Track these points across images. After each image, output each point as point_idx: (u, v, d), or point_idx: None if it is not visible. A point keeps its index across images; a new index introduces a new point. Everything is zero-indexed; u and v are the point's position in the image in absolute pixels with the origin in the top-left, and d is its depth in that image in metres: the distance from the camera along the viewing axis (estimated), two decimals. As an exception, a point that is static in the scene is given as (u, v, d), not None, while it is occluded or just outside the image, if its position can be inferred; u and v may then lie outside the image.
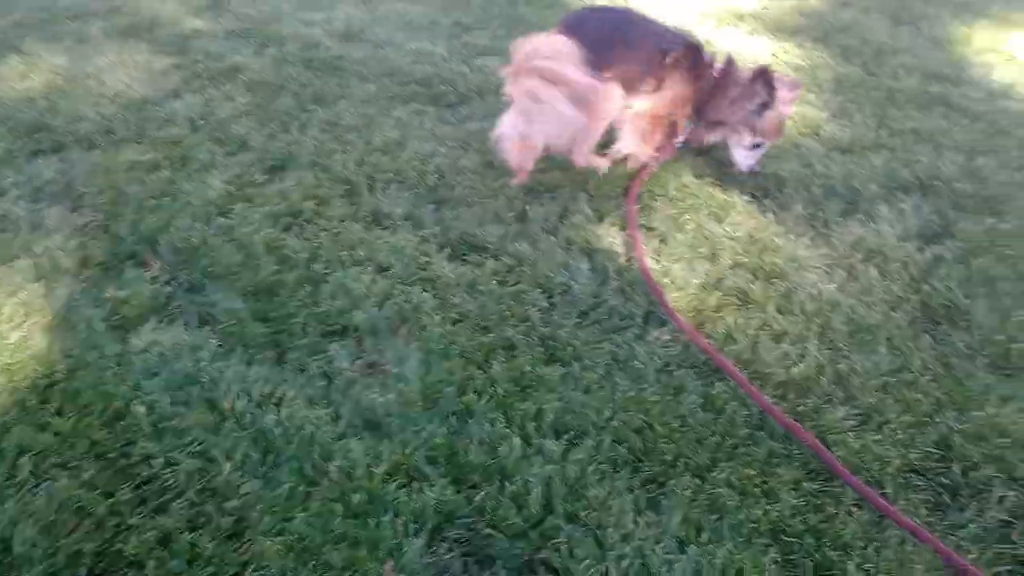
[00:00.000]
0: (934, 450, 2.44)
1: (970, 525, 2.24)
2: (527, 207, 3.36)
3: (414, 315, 2.81)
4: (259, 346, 2.67)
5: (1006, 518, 2.26)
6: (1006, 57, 4.86)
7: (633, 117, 3.54)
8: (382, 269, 3.01)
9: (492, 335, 2.74)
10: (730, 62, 3.52)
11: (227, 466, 2.26)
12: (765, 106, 3.48)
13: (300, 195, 3.36)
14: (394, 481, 2.26)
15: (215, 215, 3.24)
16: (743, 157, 3.62)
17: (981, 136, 3.98)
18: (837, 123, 4.03)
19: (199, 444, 2.33)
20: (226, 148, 3.70)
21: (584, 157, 3.50)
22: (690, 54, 3.50)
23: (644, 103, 3.50)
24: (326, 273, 2.97)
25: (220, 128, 3.83)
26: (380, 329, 2.76)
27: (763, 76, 3.43)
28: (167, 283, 2.90)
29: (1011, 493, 2.31)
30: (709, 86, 3.53)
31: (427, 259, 3.06)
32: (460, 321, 2.81)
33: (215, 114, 3.97)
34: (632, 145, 3.59)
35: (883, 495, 2.29)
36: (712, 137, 3.67)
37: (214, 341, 2.67)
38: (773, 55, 4.83)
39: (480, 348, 2.69)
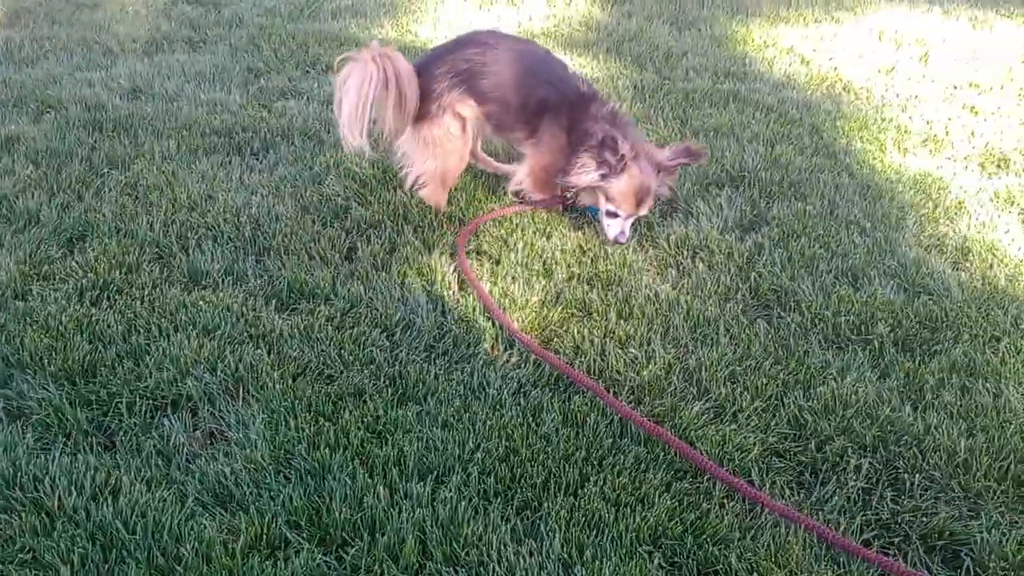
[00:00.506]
0: (788, 431, 2.50)
1: (834, 498, 2.30)
2: (354, 245, 3.25)
3: (250, 375, 2.65)
4: (83, 432, 2.44)
5: (864, 485, 2.34)
6: (784, 51, 5.14)
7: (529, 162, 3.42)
8: (208, 331, 2.83)
9: (337, 383, 2.62)
10: (595, 115, 3.28)
11: (64, 571, 2.04)
12: (608, 174, 3.20)
13: (106, 265, 3.11)
14: (256, 553, 2.10)
15: (11, 299, 2.96)
16: (604, 225, 3.31)
17: (775, 126, 4.18)
18: (643, 128, 4.13)
19: (29, 552, 2.09)
20: (14, 226, 3.40)
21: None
22: (568, 103, 3.31)
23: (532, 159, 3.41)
24: (147, 344, 2.76)
25: (3, 204, 3.52)
26: (215, 395, 2.58)
27: (604, 142, 3.16)
28: (-36, 380, 2.62)
29: (864, 461, 2.39)
30: (579, 139, 3.27)
31: (255, 314, 2.90)
32: (301, 374, 2.66)
33: (-4, 191, 3.65)
34: (525, 184, 3.49)
35: (750, 483, 2.32)
36: (585, 199, 3.42)
37: (30, 435, 2.42)
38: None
39: (326, 399, 2.56)
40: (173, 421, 2.48)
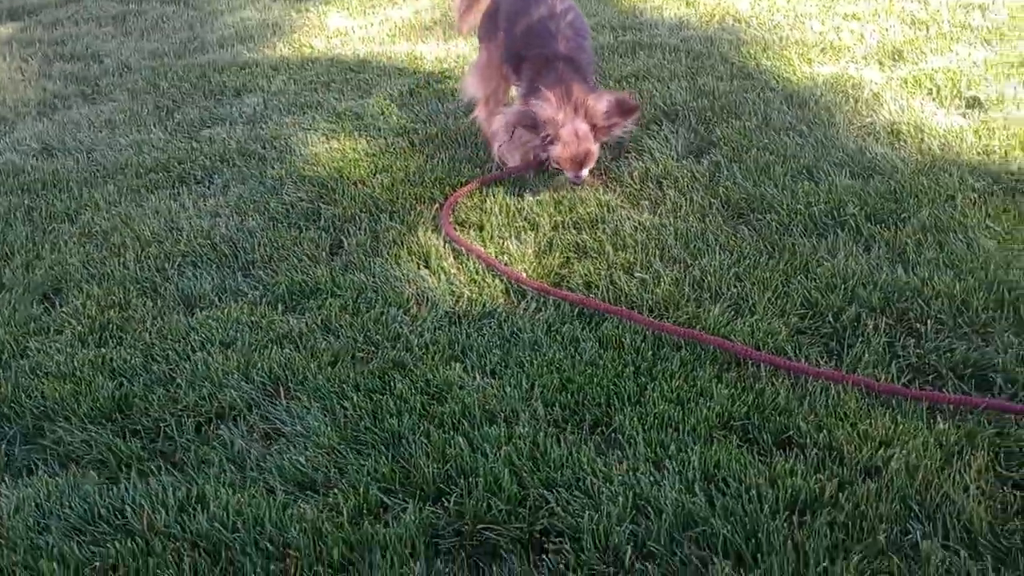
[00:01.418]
0: (804, 311, 2.70)
1: (864, 356, 2.51)
2: (337, 241, 3.31)
3: (286, 373, 2.69)
4: (142, 460, 2.44)
5: (886, 340, 2.55)
6: (667, -2, 5.42)
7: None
8: (227, 344, 2.85)
9: (375, 361, 2.69)
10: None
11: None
12: (543, 143, 3.38)
13: (96, 309, 3.09)
14: (364, 521, 2.17)
15: (11, 359, 2.90)
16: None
17: (687, 62, 4.41)
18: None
19: (136, 573, 2.10)
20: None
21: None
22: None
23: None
24: (170, 370, 2.77)
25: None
26: (258, 399, 2.62)
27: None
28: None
29: (879, 321, 2.61)
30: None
31: (267, 319, 2.93)
32: (336, 362, 2.72)
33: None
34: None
35: (788, 359, 2.51)
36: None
37: (93, 475, 2.41)
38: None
39: (372, 374, 2.63)
40: (228, 430, 2.51)
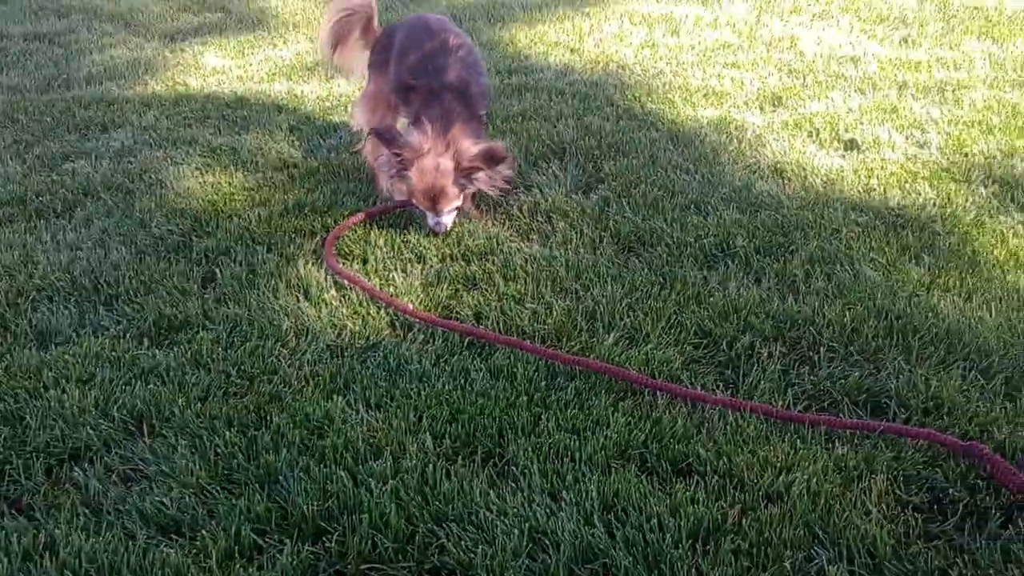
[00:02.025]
0: (698, 340, 2.65)
1: (760, 384, 2.46)
2: (209, 274, 3.11)
3: (151, 409, 2.47)
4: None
5: (781, 368, 2.52)
6: (551, 45, 5.43)
7: None
8: (83, 381, 2.61)
9: (249, 396, 2.50)
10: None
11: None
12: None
13: (-64, 344, 2.80)
14: (235, 563, 1.97)
15: None
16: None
17: (573, 103, 4.40)
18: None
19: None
20: None
21: None
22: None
23: None
24: (19, 408, 2.51)
25: None
26: (118, 438, 2.39)
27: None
28: None
29: (773, 349, 2.58)
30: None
31: (131, 354, 2.71)
32: (206, 397, 2.52)
33: None
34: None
35: (685, 387, 2.44)
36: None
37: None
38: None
39: (246, 409, 2.44)
40: (83, 471, 2.27)
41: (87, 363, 2.68)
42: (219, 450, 2.30)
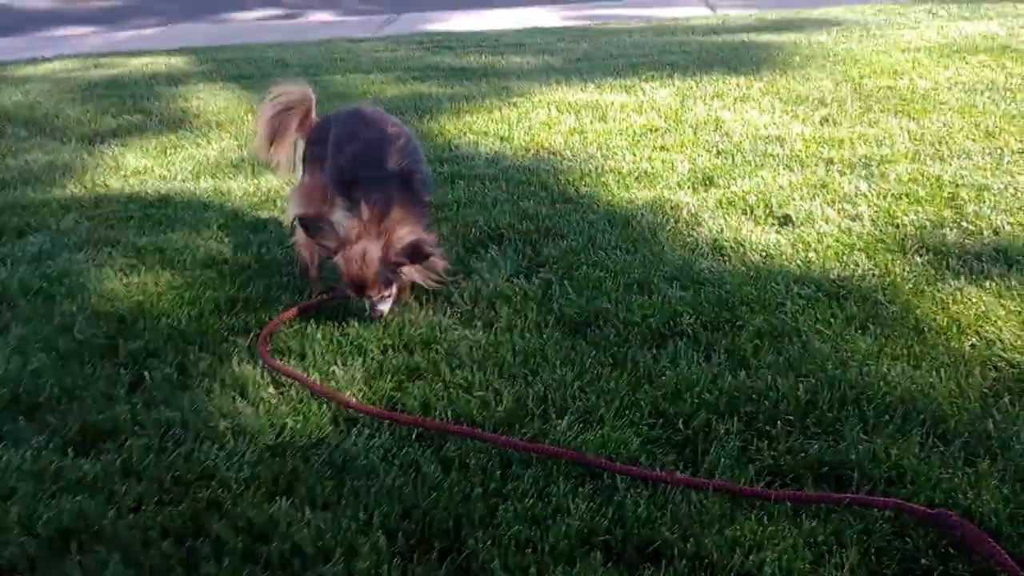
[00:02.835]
0: (653, 420, 2.58)
1: (721, 461, 2.39)
2: (137, 378, 2.96)
3: (79, 524, 2.30)
4: None
5: (740, 444, 2.46)
6: (480, 134, 5.45)
7: None
8: (4, 498, 2.42)
9: (186, 501, 2.35)
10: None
11: None
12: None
13: None
14: None
15: None
16: None
17: (508, 189, 4.39)
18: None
19: None
20: None
21: None
22: None
23: None
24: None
25: None
26: (42, 557, 2.21)
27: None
28: None
29: (729, 425, 2.52)
30: None
31: (56, 465, 2.53)
32: (138, 507, 2.35)
33: None
34: None
35: (645, 469, 2.37)
36: None
37: None
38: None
39: (182, 516, 2.29)
40: (1, 599, 2.09)
41: (7, 477, 2.50)
42: (154, 563, 2.14)
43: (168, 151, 5.61)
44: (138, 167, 5.33)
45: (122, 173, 5.25)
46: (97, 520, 2.30)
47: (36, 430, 2.72)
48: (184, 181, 5.02)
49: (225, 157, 5.42)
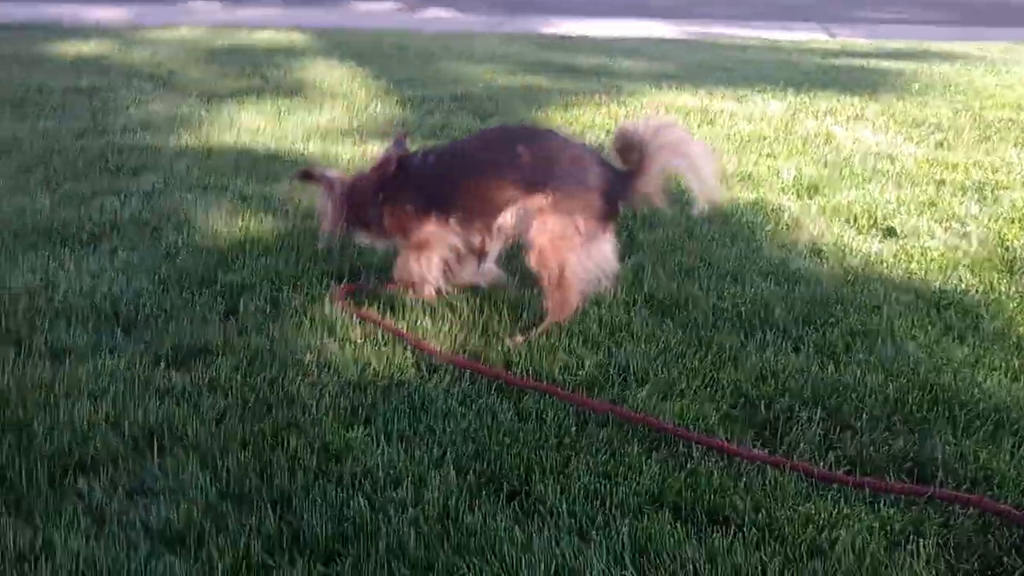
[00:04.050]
0: (734, 400, 2.55)
1: (800, 445, 2.35)
2: (232, 307, 3.04)
3: (164, 427, 2.37)
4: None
5: (821, 431, 2.41)
6: (587, 126, 5.47)
7: None
8: (96, 396, 2.52)
9: (270, 418, 2.41)
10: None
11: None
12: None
13: (-54, 349, 2.72)
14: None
15: None
16: None
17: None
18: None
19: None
20: None
21: None
22: None
23: None
24: (26, 416, 2.42)
25: None
26: (127, 453, 2.29)
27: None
28: None
29: (813, 413, 2.47)
30: None
31: (147, 374, 2.63)
32: (221, 419, 2.42)
33: None
34: None
35: (722, 441, 2.34)
36: None
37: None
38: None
39: (262, 433, 2.34)
40: (88, 482, 2.17)
41: (100, 380, 2.60)
42: (231, 470, 2.20)
43: (281, 114, 5.76)
44: (252, 126, 5.48)
45: (236, 130, 5.41)
46: (180, 426, 2.38)
47: (132, 343, 2.83)
48: (294, 143, 5.14)
49: (335, 125, 5.55)
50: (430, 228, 3.04)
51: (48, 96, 6.28)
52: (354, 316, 2.97)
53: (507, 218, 2.97)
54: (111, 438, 2.33)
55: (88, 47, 8.11)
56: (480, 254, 3.17)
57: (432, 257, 3.07)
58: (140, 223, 3.80)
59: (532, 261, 2.92)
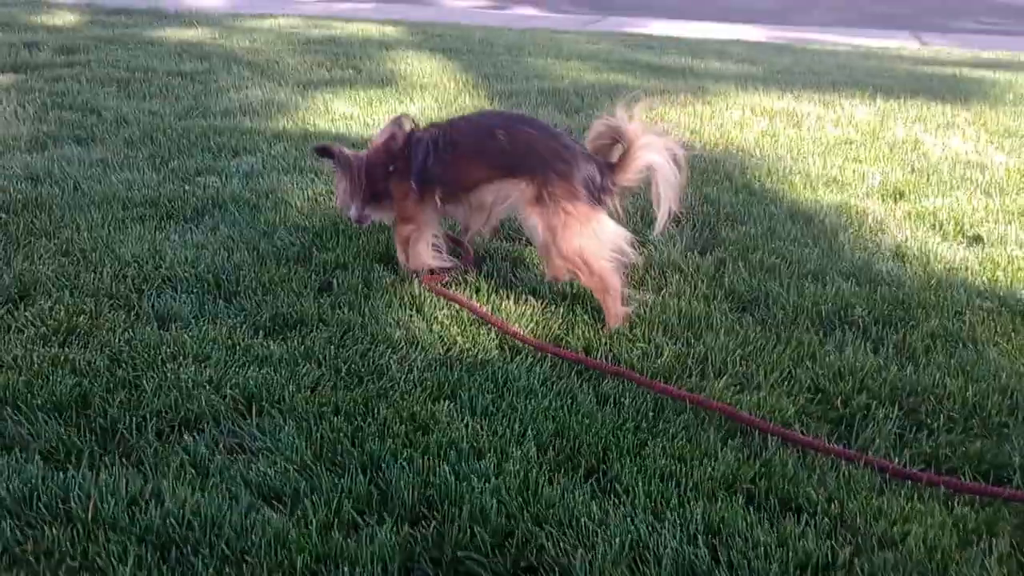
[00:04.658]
0: (811, 395, 2.59)
1: (876, 441, 2.39)
2: (327, 283, 3.18)
3: (262, 390, 2.51)
4: (95, 454, 2.24)
5: (898, 430, 2.44)
6: (672, 125, 5.51)
7: None
8: (200, 360, 2.67)
9: (361, 388, 2.53)
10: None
11: (123, 572, 1.84)
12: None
13: (63, 314, 2.90)
14: (334, 533, 1.97)
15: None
16: None
17: (692, 176, 4.42)
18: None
19: (76, 559, 1.88)
20: (-62, 293, 3.12)
21: None
22: None
23: None
24: (136, 376, 2.58)
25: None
26: (228, 412, 2.43)
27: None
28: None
29: (891, 412, 2.50)
30: None
31: (246, 342, 2.77)
32: (316, 387, 2.55)
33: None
34: None
35: (797, 433, 2.39)
36: None
37: (38, 460, 2.19)
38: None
39: (355, 401, 2.47)
40: (193, 438, 2.31)
41: (204, 345, 2.75)
42: (325, 434, 2.32)
43: (374, 103, 5.92)
44: (345, 113, 5.65)
45: (330, 116, 5.58)
46: (278, 391, 2.51)
47: (233, 312, 2.98)
48: (385, 130, 5.28)
49: (425, 115, 5.68)
50: (419, 202, 3.19)
51: (152, 78, 6.54)
52: (442, 298, 3.08)
53: (486, 196, 3.08)
54: (214, 399, 2.47)
55: (189, 34, 8.40)
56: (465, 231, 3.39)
57: (423, 231, 3.25)
58: (240, 201, 3.97)
59: (552, 269, 3.03)
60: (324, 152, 3.39)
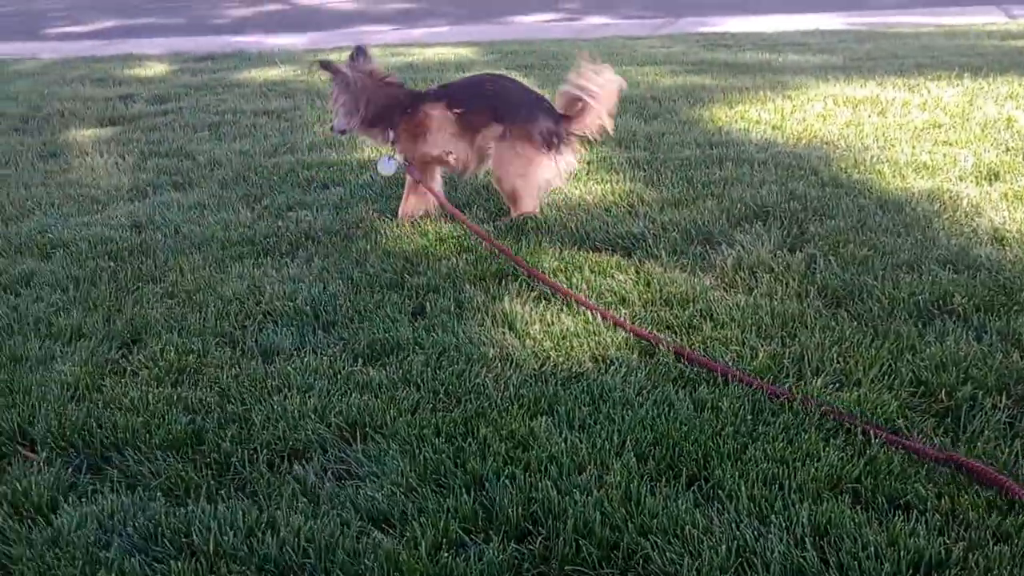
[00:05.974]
0: (914, 388, 2.55)
1: (984, 431, 2.34)
2: (420, 307, 3.26)
3: (365, 416, 2.59)
4: (211, 488, 2.34)
5: (1007, 419, 2.38)
6: (753, 122, 5.47)
7: None
8: (304, 391, 2.77)
9: (460, 409, 2.59)
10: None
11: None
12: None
13: (174, 355, 3.04)
14: (443, 553, 2.03)
15: (86, 393, 2.85)
16: None
17: (776, 172, 4.39)
18: (654, 188, 4.31)
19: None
20: (59, 341, 3.29)
21: None
22: None
23: None
24: (246, 411, 2.68)
25: (42, 324, 3.41)
26: (333, 441, 2.52)
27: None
28: (65, 467, 2.49)
29: (999, 401, 2.45)
30: None
31: (347, 370, 2.86)
32: (415, 410, 2.62)
33: (29, 315, 3.53)
34: None
35: (896, 431, 2.36)
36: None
37: (161, 499, 2.31)
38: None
39: (455, 422, 2.52)
40: (302, 467, 2.40)
41: (307, 376, 2.85)
42: (428, 456, 2.38)
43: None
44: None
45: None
46: (380, 416, 2.59)
47: (332, 342, 3.08)
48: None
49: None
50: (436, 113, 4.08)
51: (241, 119, 6.76)
52: (533, 310, 3.13)
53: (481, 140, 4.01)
54: (320, 428, 2.56)
55: (273, 73, 8.66)
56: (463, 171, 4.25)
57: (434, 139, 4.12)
58: (331, 233, 4.09)
59: (494, 182, 4.09)
60: (326, 67, 4.16)
